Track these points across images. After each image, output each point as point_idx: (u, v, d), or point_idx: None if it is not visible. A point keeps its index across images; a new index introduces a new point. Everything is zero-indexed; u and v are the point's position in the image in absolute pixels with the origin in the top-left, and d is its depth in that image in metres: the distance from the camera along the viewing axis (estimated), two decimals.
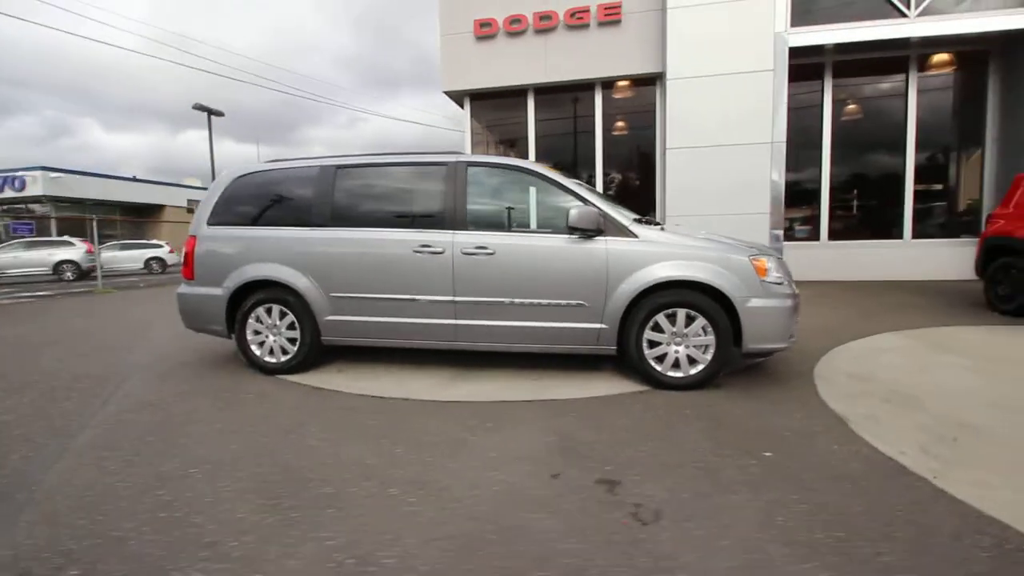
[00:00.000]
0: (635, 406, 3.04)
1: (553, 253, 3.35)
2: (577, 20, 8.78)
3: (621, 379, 3.54)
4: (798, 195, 9.00)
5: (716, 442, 2.50)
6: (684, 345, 3.27)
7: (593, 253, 3.29)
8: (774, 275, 3.24)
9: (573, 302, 3.33)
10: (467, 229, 3.46)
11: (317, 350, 3.80)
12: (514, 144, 10.10)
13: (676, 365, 3.29)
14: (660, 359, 3.31)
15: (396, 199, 3.73)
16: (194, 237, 3.91)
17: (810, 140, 8.80)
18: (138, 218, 29.06)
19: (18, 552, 1.70)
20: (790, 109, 8.01)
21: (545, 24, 8.89)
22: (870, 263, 8.57)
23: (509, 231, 3.51)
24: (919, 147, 8.38)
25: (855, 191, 9.10)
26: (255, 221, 3.85)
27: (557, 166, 4.17)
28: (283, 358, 3.80)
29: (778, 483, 2.09)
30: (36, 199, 25.46)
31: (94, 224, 11.67)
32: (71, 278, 15.35)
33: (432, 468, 2.28)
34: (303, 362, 3.79)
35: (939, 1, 7.29)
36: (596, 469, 2.24)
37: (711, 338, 3.22)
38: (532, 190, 3.59)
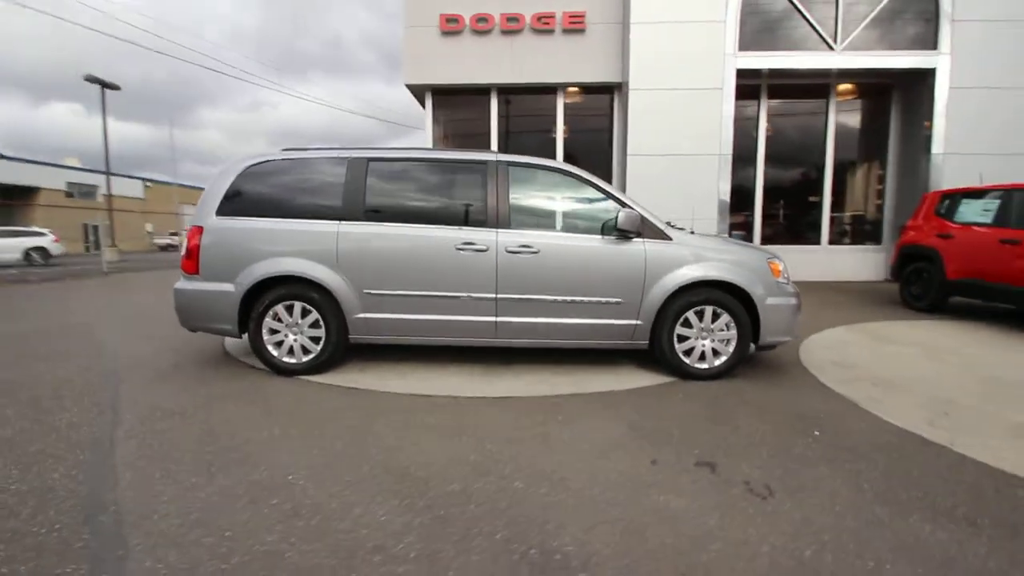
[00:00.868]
0: (675, 396, 3.30)
1: (595, 253, 3.51)
2: (543, 25, 9.00)
3: (644, 372, 3.79)
4: (736, 203, 9.91)
5: (770, 424, 2.81)
6: (710, 339, 3.58)
7: (633, 254, 3.49)
8: (784, 276, 3.65)
9: (612, 300, 3.51)
10: (509, 228, 3.52)
11: (343, 349, 3.65)
12: (476, 142, 10.10)
13: (702, 357, 3.60)
14: (687, 352, 3.59)
15: (433, 195, 3.67)
16: (199, 228, 3.58)
17: (747, 154, 9.73)
18: (7, 201, 24.96)
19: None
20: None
21: (512, 26, 9.01)
22: (795, 266, 9.61)
23: (551, 231, 3.61)
24: (836, 164, 9.61)
25: (782, 201, 10.21)
26: (273, 213, 3.60)
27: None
28: (304, 358, 3.60)
29: (843, 455, 2.42)
30: None
31: None
32: None
33: (538, 461, 2.35)
34: (326, 362, 3.62)
35: (859, 39, 8.42)
36: (686, 453, 2.44)
37: (733, 332, 3.56)
38: (569, 191, 3.72)
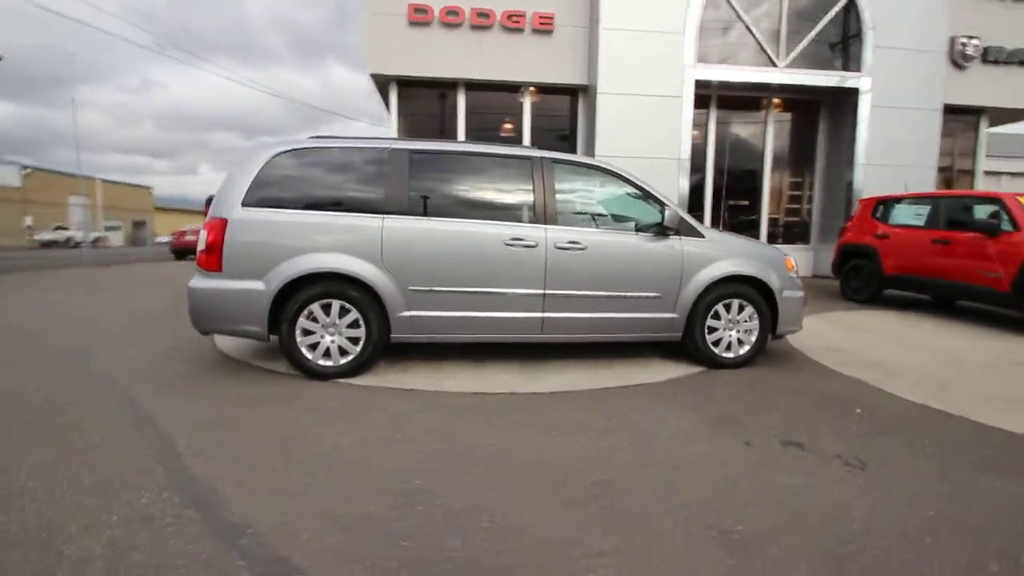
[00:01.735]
0: (716, 383, 3.52)
1: (637, 249, 3.64)
2: (513, 23, 9.04)
3: (671, 363, 3.98)
4: (689, 205, 10.59)
5: (812, 406, 3.10)
6: (735, 330, 3.86)
7: (672, 250, 3.67)
8: (795, 271, 4.02)
9: (652, 294, 3.67)
10: (556, 224, 3.55)
11: (384, 350, 3.49)
12: (442, 135, 9.93)
13: (727, 347, 3.86)
14: (715, 343, 3.84)
15: (479, 190, 3.61)
16: (222, 220, 3.24)
17: (698, 159, 10.42)
18: None
19: None
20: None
21: (482, 21, 8.95)
22: None
23: (593, 227, 3.69)
24: (772, 170, 10.58)
25: (727, 203, 11.07)
26: (306, 204, 3.35)
27: None
28: (342, 360, 3.39)
29: (891, 427, 2.73)
30: None
31: None
32: None
33: (637, 452, 2.42)
34: (364, 363, 3.44)
35: (798, 57, 9.34)
36: (766, 435, 2.63)
37: (756, 323, 3.86)
38: (610, 188, 3.82)
